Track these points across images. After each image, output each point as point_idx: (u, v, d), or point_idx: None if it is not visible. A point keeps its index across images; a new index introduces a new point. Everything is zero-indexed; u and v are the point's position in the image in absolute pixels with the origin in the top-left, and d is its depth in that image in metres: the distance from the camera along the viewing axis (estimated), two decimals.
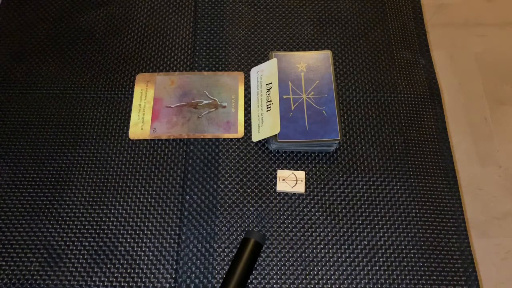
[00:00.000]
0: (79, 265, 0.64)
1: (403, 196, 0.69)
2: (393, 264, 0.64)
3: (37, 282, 0.63)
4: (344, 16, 0.86)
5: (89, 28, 0.84)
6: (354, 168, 0.71)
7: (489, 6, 1.67)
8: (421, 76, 0.80)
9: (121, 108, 0.76)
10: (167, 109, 0.75)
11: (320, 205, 0.68)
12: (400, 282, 0.63)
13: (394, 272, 0.64)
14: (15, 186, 0.69)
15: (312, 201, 0.69)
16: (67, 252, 0.65)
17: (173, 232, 0.66)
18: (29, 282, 0.63)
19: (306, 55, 0.77)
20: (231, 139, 0.73)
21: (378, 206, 0.68)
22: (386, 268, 0.64)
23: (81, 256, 0.64)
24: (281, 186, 0.69)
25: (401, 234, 0.66)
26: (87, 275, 0.63)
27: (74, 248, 0.65)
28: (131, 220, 0.67)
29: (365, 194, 0.69)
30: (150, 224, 0.67)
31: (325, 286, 0.63)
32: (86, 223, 0.67)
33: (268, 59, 0.80)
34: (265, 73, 0.76)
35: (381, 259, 0.65)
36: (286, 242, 0.66)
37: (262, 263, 0.64)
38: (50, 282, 0.63)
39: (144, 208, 0.68)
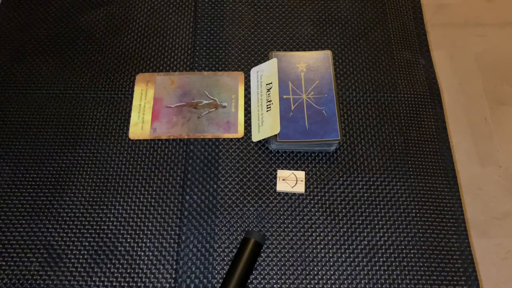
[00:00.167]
0: (79, 265, 0.64)
1: (403, 196, 0.69)
2: (393, 264, 0.64)
3: (37, 282, 0.63)
4: (344, 16, 0.86)
5: (89, 28, 0.84)
6: (354, 168, 0.71)
7: (489, 6, 1.67)
8: (421, 76, 0.80)
9: (121, 108, 0.76)
10: (167, 109, 0.75)
11: (320, 205, 0.68)
12: (400, 282, 0.63)
13: (394, 272, 0.64)
14: (15, 186, 0.69)
15: (312, 201, 0.69)
16: (67, 252, 0.65)
17: (173, 232, 0.66)
18: (29, 282, 0.63)
19: (306, 55, 0.77)
20: (231, 139, 0.73)
21: (378, 206, 0.68)
22: (386, 268, 0.64)
23: (81, 256, 0.64)
24: (281, 186, 0.69)
25: (401, 234, 0.66)
26: (87, 275, 0.63)
27: (74, 248, 0.65)
28: (131, 220, 0.67)
29: (365, 194, 0.69)
30: (150, 224, 0.67)
31: (325, 286, 0.63)
32: (86, 223, 0.67)
33: (268, 59, 0.80)
34: (265, 73, 0.76)
35: (381, 259, 0.65)
36: (286, 242, 0.66)
37: (262, 263, 0.64)
38: (50, 282, 0.63)
39: (144, 208, 0.68)
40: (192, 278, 0.63)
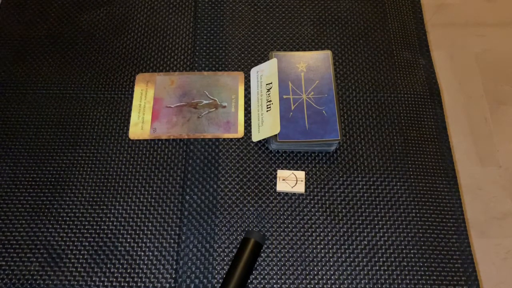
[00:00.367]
0: (79, 265, 0.64)
1: (403, 196, 0.69)
2: (393, 264, 0.64)
3: (37, 282, 0.63)
4: (344, 16, 0.86)
5: (89, 28, 0.84)
6: (354, 168, 0.71)
7: (489, 6, 1.67)
8: (421, 76, 0.80)
9: (121, 108, 0.76)
10: (167, 109, 0.75)
11: (320, 205, 0.68)
12: (400, 282, 0.63)
13: (394, 272, 0.64)
14: (15, 186, 0.69)
15: (312, 201, 0.69)
16: (67, 252, 0.65)
17: (173, 232, 0.66)
18: (29, 282, 0.63)
19: (306, 55, 0.77)
20: (231, 139, 0.73)
21: (378, 206, 0.68)
22: (386, 268, 0.64)
23: (81, 256, 0.64)
24: (281, 186, 0.69)
25: (401, 234, 0.66)
26: (87, 275, 0.63)
27: (74, 248, 0.65)
28: (131, 220, 0.67)
29: (365, 194, 0.69)
30: (150, 224, 0.67)
31: (325, 286, 0.63)
32: (86, 223, 0.67)
33: (268, 59, 0.80)
34: (265, 73, 0.76)
35: (381, 259, 0.65)
36: (286, 242, 0.66)
37: (262, 263, 0.64)
38: (50, 282, 0.63)
39: (144, 208, 0.68)
40: (192, 278, 0.63)
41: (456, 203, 0.69)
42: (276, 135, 0.70)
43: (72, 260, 0.64)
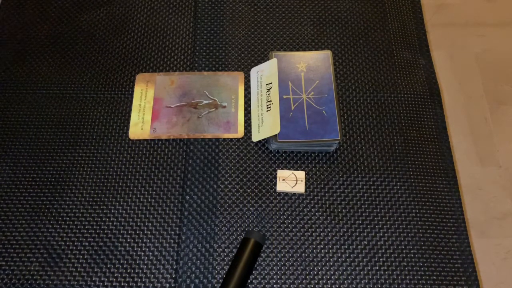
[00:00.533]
0: (79, 265, 0.64)
1: (403, 196, 0.69)
2: (393, 264, 0.64)
3: (37, 282, 0.63)
4: (344, 16, 0.86)
5: (89, 28, 0.84)
6: (354, 168, 0.71)
7: (489, 6, 1.67)
8: (421, 76, 0.80)
9: (121, 108, 0.76)
10: (167, 109, 0.75)
11: (320, 205, 0.68)
12: (400, 282, 0.63)
13: (394, 272, 0.64)
14: (15, 186, 0.69)
15: (312, 201, 0.69)
16: (67, 252, 0.65)
17: (173, 232, 0.66)
18: (29, 282, 0.63)
19: (306, 55, 0.77)
20: (231, 139, 0.73)
21: (378, 206, 0.68)
22: (386, 268, 0.64)
23: (81, 256, 0.64)
24: (281, 186, 0.69)
25: (401, 234, 0.66)
26: (87, 275, 0.63)
27: (74, 248, 0.65)
28: (131, 220, 0.67)
29: (365, 194, 0.69)
30: (150, 224, 0.67)
31: (325, 286, 0.63)
32: (86, 223, 0.67)
33: (268, 59, 0.80)
34: (265, 73, 0.76)
35: (381, 259, 0.65)
36: (286, 242, 0.66)
37: (262, 263, 0.64)
38: (50, 282, 0.63)
39: (144, 208, 0.68)
40: (192, 278, 0.63)
41: (456, 203, 0.69)
42: (276, 135, 0.70)
43: (72, 260, 0.64)
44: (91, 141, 0.73)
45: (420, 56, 0.82)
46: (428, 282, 0.63)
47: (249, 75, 0.79)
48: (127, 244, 0.65)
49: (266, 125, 0.71)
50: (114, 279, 0.63)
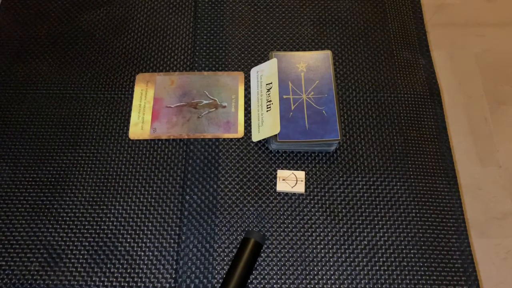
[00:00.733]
0: (79, 265, 0.64)
1: (403, 196, 0.69)
2: (393, 264, 0.64)
3: (37, 282, 0.63)
4: (344, 16, 0.86)
5: (89, 28, 0.84)
6: (354, 168, 0.71)
7: (489, 6, 1.67)
8: (421, 76, 0.80)
9: (121, 108, 0.76)
10: (167, 109, 0.75)
11: (320, 205, 0.68)
12: (400, 282, 0.63)
13: (394, 272, 0.64)
14: (15, 186, 0.69)
15: (312, 201, 0.69)
16: (67, 252, 0.65)
17: (173, 232, 0.66)
18: (29, 282, 0.63)
19: (306, 55, 0.77)
20: (231, 139, 0.73)
21: (378, 206, 0.68)
22: (386, 268, 0.64)
23: (81, 256, 0.64)
24: (281, 186, 0.69)
25: (401, 234, 0.66)
26: (87, 275, 0.63)
27: (74, 248, 0.65)
28: (131, 220, 0.67)
29: (365, 194, 0.69)
30: (150, 224, 0.67)
31: (325, 286, 0.63)
32: (86, 223, 0.67)
33: (268, 59, 0.80)
34: (265, 73, 0.76)
35: (381, 259, 0.65)
36: (286, 242, 0.66)
37: (262, 263, 0.64)
38: (50, 282, 0.63)
39: (144, 208, 0.68)
40: (192, 278, 0.63)
41: (456, 203, 0.69)
42: (276, 135, 0.70)
43: (72, 260, 0.64)
44: (91, 141, 0.73)
45: (420, 56, 0.82)
46: (428, 282, 0.63)
47: (249, 75, 0.79)
48: (127, 244, 0.65)
49: (266, 125, 0.71)
50: (114, 279, 0.63)
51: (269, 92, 0.74)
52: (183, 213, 0.67)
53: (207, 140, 0.73)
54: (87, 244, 0.65)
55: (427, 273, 0.64)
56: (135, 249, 0.65)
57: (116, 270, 0.64)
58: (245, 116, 0.75)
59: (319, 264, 0.64)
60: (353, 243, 0.66)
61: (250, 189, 0.69)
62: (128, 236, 0.66)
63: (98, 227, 0.66)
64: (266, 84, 0.75)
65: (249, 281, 0.63)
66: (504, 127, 1.43)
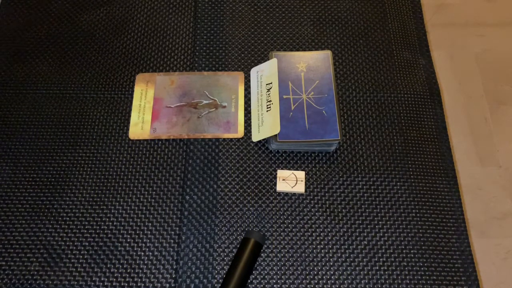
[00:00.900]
0: (79, 265, 0.64)
1: (403, 196, 0.69)
2: (393, 264, 0.64)
3: (37, 282, 0.63)
4: (344, 16, 0.86)
5: (89, 28, 0.84)
6: (354, 168, 0.71)
7: (489, 6, 1.67)
8: (421, 76, 0.80)
9: (121, 108, 0.76)
10: (167, 109, 0.75)
11: (320, 205, 0.68)
12: (400, 282, 0.63)
13: (394, 272, 0.64)
14: (15, 186, 0.69)
15: (312, 201, 0.69)
16: (67, 252, 0.65)
17: (173, 232, 0.66)
18: (29, 282, 0.63)
19: (306, 55, 0.77)
20: (231, 139, 0.73)
21: (378, 206, 0.68)
22: (386, 268, 0.64)
23: (81, 256, 0.64)
24: (281, 186, 0.69)
25: (401, 234, 0.66)
26: (87, 275, 0.63)
27: (74, 248, 0.65)
28: (131, 220, 0.67)
29: (365, 194, 0.69)
30: (150, 224, 0.67)
31: (325, 286, 0.63)
32: (86, 223, 0.67)
33: (268, 59, 0.80)
34: (265, 73, 0.76)
35: (381, 259, 0.65)
36: (286, 242, 0.66)
37: (262, 263, 0.64)
38: (50, 282, 0.63)
39: (144, 208, 0.68)
40: (192, 278, 0.63)
41: (456, 203, 0.69)
42: (276, 135, 0.70)
43: (72, 260, 0.64)
44: (91, 141, 0.73)
45: (420, 56, 0.82)
46: (428, 282, 0.63)
47: (249, 75, 0.79)
48: (127, 244, 0.65)
49: (266, 125, 0.71)
50: (114, 279, 0.63)
51: (269, 92, 0.74)
52: (183, 213, 0.67)
53: (207, 140, 0.73)
54: (87, 244, 0.65)
55: (427, 273, 0.64)
56: (135, 249, 0.65)
57: (116, 270, 0.64)
58: (245, 116, 0.75)
59: (319, 264, 0.64)
60: (353, 243, 0.66)
61: (250, 189, 0.69)
62: (128, 236, 0.66)
63: (98, 227, 0.66)
64: (266, 84, 0.75)
65: (249, 281, 0.63)
66: (504, 127, 1.43)
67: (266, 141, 0.73)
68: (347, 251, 0.65)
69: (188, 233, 0.66)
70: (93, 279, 0.63)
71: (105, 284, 0.63)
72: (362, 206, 0.68)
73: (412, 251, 0.65)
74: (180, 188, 0.69)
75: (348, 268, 0.64)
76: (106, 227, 0.66)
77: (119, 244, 0.65)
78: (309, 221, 0.67)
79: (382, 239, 0.66)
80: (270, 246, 0.65)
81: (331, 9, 0.86)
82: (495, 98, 1.48)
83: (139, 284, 0.63)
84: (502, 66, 1.54)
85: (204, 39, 0.83)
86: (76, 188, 0.69)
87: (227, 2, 0.87)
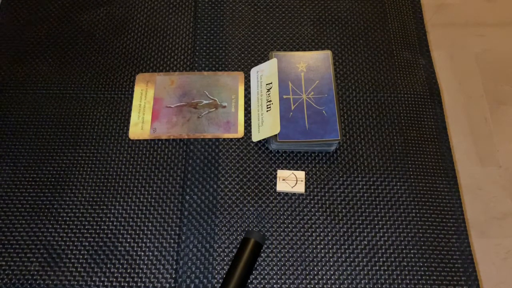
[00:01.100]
0: (79, 265, 0.64)
1: (403, 196, 0.69)
2: (393, 264, 0.64)
3: (37, 282, 0.63)
4: (344, 16, 0.86)
5: (89, 28, 0.84)
6: (354, 168, 0.71)
7: (489, 6, 1.67)
8: (421, 76, 0.80)
9: (121, 108, 0.76)
10: (167, 109, 0.75)
11: (320, 205, 0.68)
12: (400, 282, 0.63)
13: (394, 272, 0.64)
14: (15, 186, 0.69)
15: (312, 201, 0.69)
16: (67, 252, 0.65)
17: (173, 232, 0.66)
18: (29, 282, 0.63)
19: (306, 55, 0.77)
20: (231, 139, 0.73)
21: (378, 206, 0.68)
22: (386, 268, 0.64)
23: (81, 256, 0.64)
24: (281, 186, 0.69)
25: (401, 234, 0.66)
26: (87, 275, 0.63)
27: (74, 248, 0.65)
28: (131, 220, 0.67)
29: (365, 194, 0.69)
30: (150, 224, 0.67)
31: (325, 286, 0.63)
32: (86, 223, 0.67)
33: (268, 59, 0.80)
34: (265, 73, 0.76)
35: (381, 259, 0.65)
36: (286, 242, 0.66)
37: (262, 263, 0.64)
38: (50, 282, 0.63)
39: (144, 208, 0.68)
40: (192, 278, 0.63)
41: (456, 203, 0.69)
42: (276, 135, 0.70)
43: (72, 260, 0.64)
44: (91, 141, 0.73)
45: (420, 56, 0.82)
46: (428, 282, 0.63)
47: (249, 75, 0.79)
48: (127, 244, 0.65)
49: (266, 125, 0.71)
50: (114, 279, 0.63)
51: (269, 92, 0.74)
52: (183, 213, 0.68)
53: (207, 140, 0.73)
54: (87, 244, 0.65)
55: (427, 273, 0.64)
56: (135, 249, 0.65)
57: (116, 270, 0.64)
58: (245, 116, 0.75)
59: (319, 264, 0.64)
60: (353, 243, 0.66)
61: (250, 189, 0.69)
62: (128, 236, 0.66)
63: (98, 227, 0.66)
64: (266, 84, 0.75)
65: (249, 281, 0.63)
66: (504, 127, 1.43)
67: (266, 141, 0.73)
68: (347, 251, 0.65)
69: (188, 233, 0.66)
70: (93, 279, 0.63)
71: (105, 284, 0.63)
72: (362, 206, 0.68)
73: (412, 251, 0.65)
74: (180, 188, 0.69)
75: (348, 268, 0.64)
76: (106, 227, 0.66)
77: (119, 244, 0.65)
78: (309, 221, 0.67)
79: (382, 239, 0.66)
80: (270, 246, 0.65)
81: (331, 9, 0.86)
82: (495, 98, 1.48)
83: (139, 284, 0.63)
84: (502, 66, 1.54)
85: (204, 39, 0.83)
86: (76, 188, 0.69)
87: (227, 2, 0.87)
